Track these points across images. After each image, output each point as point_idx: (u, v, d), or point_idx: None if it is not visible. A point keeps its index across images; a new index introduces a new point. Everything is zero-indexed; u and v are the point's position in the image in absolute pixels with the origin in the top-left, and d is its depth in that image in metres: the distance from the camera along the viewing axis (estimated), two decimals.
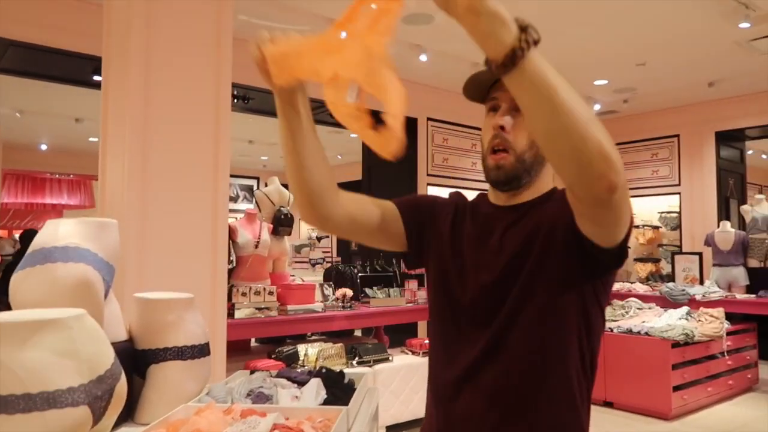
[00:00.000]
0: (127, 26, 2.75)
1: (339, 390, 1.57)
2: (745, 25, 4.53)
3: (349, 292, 4.09)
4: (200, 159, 2.88)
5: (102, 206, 3.02)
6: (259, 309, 3.57)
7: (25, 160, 9.97)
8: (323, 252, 10.04)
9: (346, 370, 1.70)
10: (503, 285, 1.04)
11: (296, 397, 1.51)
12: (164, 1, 2.78)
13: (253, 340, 4.31)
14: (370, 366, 3.79)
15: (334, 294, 4.09)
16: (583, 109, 0.78)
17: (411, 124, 6.45)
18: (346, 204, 1.13)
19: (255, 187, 12.10)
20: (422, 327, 6.05)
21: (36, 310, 1.20)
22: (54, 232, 1.38)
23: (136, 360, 1.48)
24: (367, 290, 4.35)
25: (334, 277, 4.52)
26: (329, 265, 9.71)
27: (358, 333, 4.93)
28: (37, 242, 1.36)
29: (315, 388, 1.53)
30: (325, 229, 1.15)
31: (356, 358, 3.80)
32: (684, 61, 5.62)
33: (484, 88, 1.12)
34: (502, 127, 1.07)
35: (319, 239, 10.38)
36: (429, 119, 6.56)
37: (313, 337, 4.30)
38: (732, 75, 6.06)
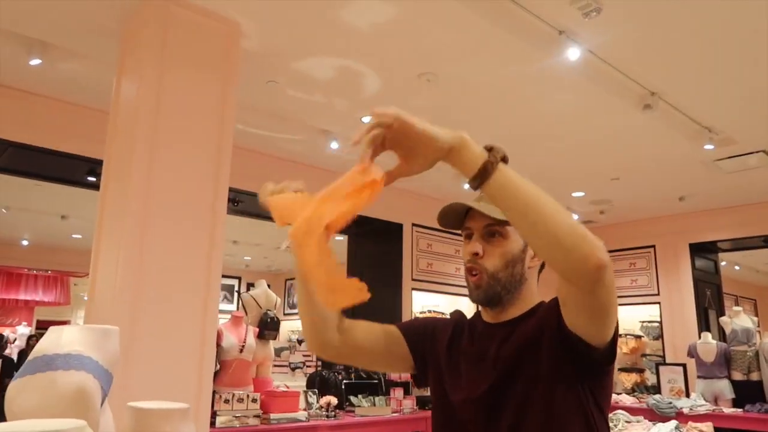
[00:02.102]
0: (132, 133, 2.87)
1: None
2: (709, 147, 4.86)
3: (334, 400, 3.98)
4: (193, 264, 2.90)
5: (90, 306, 3.00)
6: (236, 417, 3.45)
7: (4, 256, 9.84)
8: (303, 356, 9.77)
9: None
10: (497, 397, 1.08)
11: None
12: (169, 112, 2.93)
13: None
14: None
15: (318, 402, 3.97)
16: (552, 203, 0.90)
17: (396, 230, 6.59)
18: (351, 332, 1.22)
19: (236, 287, 11.97)
20: None
21: (35, 420, 1.18)
22: (57, 339, 1.38)
23: None
24: (352, 398, 4.24)
25: (317, 383, 4.41)
26: (309, 368, 9.40)
27: None
28: (39, 349, 1.36)
29: None
30: (325, 355, 1.23)
31: None
32: (655, 177, 5.95)
33: (458, 218, 1.22)
34: (476, 254, 1.17)
35: (300, 342, 10.15)
36: (414, 225, 6.72)
37: None
38: (700, 191, 6.40)
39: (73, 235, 8.87)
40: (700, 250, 7.55)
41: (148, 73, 2.86)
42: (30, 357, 1.37)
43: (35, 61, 3.45)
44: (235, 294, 11.87)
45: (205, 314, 2.90)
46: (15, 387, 1.33)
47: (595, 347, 0.98)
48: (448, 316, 1.35)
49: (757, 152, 5.10)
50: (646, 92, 3.96)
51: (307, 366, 9.65)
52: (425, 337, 1.28)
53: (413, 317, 1.53)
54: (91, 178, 4.84)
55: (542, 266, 1.21)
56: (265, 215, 5.35)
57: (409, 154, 0.94)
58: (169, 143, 2.91)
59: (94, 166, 4.62)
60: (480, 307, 1.25)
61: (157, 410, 1.47)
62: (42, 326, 13.68)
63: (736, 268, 10.24)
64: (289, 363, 9.54)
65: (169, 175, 2.90)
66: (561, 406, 1.04)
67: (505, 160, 0.93)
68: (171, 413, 1.49)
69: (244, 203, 5.69)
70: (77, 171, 4.75)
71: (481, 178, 0.91)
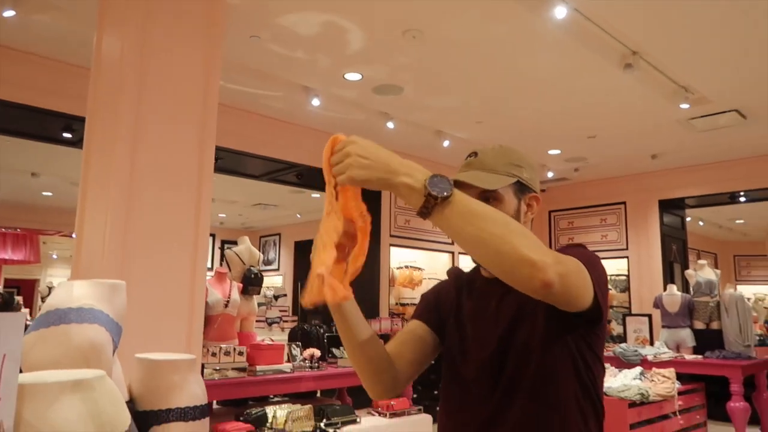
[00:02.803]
0: (116, 91, 2.82)
1: None
2: (684, 105, 4.99)
3: (317, 352, 4.09)
4: (182, 222, 2.92)
5: (77, 266, 3.00)
6: (216, 370, 3.54)
7: None
8: (280, 311, 9.91)
9: None
10: (501, 356, 1.14)
11: None
12: (154, 69, 2.88)
13: (214, 402, 4.21)
14: (338, 428, 3.76)
15: (301, 354, 4.08)
16: (495, 231, 0.92)
17: None
18: (401, 366, 1.25)
19: (211, 244, 11.94)
20: None
21: (55, 371, 1.22)
22: (68, 293, 1.42)
23: (137, 421, 1.49)
24: (334, 350, 4.36)
25: (300, 336, 4.52)
26: (286, 323, 9.55)
27: (318, 394, 4.87)
28: (51, 303, 1.39)
29: None
30: (390, 396, 1.28)
31: (324, 420, 3.78)
32: (630, 135, 6.09)
33: None
34: None
35: (276, 298, 10.26)
36: None
37: (276, 399, 4.25)
38: (673, 149, 6.58)
39: (44, 193, 8.69)
40: (669, 206, 7.80)
41: (132, 28, 2.80)
42: (42, 311, 1.41)
43: (8, 13, 3.33)
44: (210, 251, 11.87)
45: (194, 271, 2.94)
46: (29, 340, 1.37)
47: (579, 312, 1.03)
48: (446, 276, 1.39)
49: (730, 111, 5.25)
50: (627, 51, 4.03)
51: (284, 321, 9.81)
52: (434, 309, 1.32)
53: (420, 298, 1.61)
54: (67, 135, 4.74)
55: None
56: (241, 172, 5.27)
57: None
58: (155, 100, 2.88)
59: (70, 123, 4.52)
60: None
61: (166, 361, 1.53)
62: (10, 285, 13.48)
63: (700, 223, 10.60)
64: (266, 318, 9.68)
65: (156, 133, 2.88)
66: (554, 360, 1.10)
67: (445, 198, 0.94)
68: (179, 364, 1.55)
69: (222, 160, 5.65)
70: (52, 127, 4.65)
71: (422, 215, 0.96)
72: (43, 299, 10.24)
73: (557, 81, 4.64)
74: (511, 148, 1.25)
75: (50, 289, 10.80)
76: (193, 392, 1.56)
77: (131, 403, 1.51)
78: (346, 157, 0.96)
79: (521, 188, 1.21)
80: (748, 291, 11.85)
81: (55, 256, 13.79)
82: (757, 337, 6.71)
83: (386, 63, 4.33)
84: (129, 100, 2.77)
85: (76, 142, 4.81)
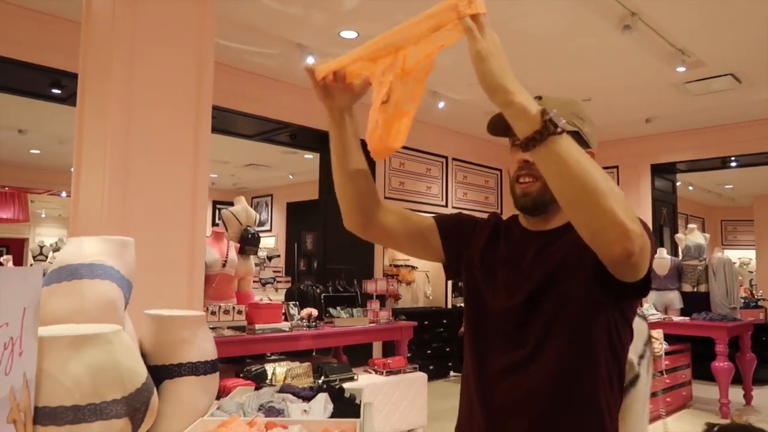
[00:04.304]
0: (108, 46, 2.75)
1: (342, 404, 1.66)
2: (680, 69, 4.97)
3: (315, 312, 4.14)
4: (180, 180, 2.90)
5: (74, 225, 2.98)
6: (213, 329, 3.58)
7: None
8: (274, 271, 9.96)
9: None
10: (531, 308, 1.12)
11: (305, 411, 1.58)
12: (148, 21, 2.81)
13: None
14: (336, 385, 3.84)
15: (299, 314, 4.13)
16: (599, 185, 0.88)
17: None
18: (387, 214, 1.26)
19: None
20: (377, 347, 6.14)
21: (72, 325, 1.24)
22: (78, 250, 1.42)
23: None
24: (331, 310, 4.42)
25: (297, 296, 4.56)
26: (279, 284, 9.61)
27: (314, 353, 4.96)
28: (62, 259, 1.39)
29: (323, 403, 1.61)
30: (366, 235, 1.27)
31: (322, 377, 3.85)
32: (625, 98, 6.07)
33: (508, 126, 1.19)
34: (527, 161, 1.16)
35: (269, 258, 10.29)
36: None
37: (273, 357, 4.31)
38: (667, 113, 6.57)
39: (32, 151, 8.56)
40: (661, 170, 7.84)
41: None
42: (53, 266, 1.41)
43: None
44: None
45: (193, 230, 2.93)
46: (42, 295, 1.37)
47: (630, 283, 1.01)
48: (486, 217, 1.35)
49: (725, 75, 5.24)
50: (626, 12, 3.98)
51: (278, 281, 9.87)
52: (463, 232, 1.29)
53: (457, 214, 1.59)
54: (56, 91, 4.64)
55: None
56: (234, 132, 5.20)
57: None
58: (149, 56, 2.82)
59: (58, 78, 4.41)
60: (520, 214, 1.25)
61: (177, 317, 1.55)
62: None
63: (690, 188, 10.70)
64: (260, 279, 9.72)
65: (151, 91, 2.83)
66: (588, 326, 1.08)
67: (559, 132, 0.90)
68: (189, 320, 1.57)
69: (215, 119, 5.56)
70: (40, 83, 4.54)
71: (528, 144, 0.92)
72: (34, 258, 10.17)
73: (555, 41, 4.59)
74: (577, 102, 1.23)
75: (41, 248, 10.72)
76: (203, 347, 1.58)
77: (143, 358, 1.53)
78: (490, 42, 0.95)
79: (578, 141, 1.14)
80: (733, 255, 12.08)
81: (43, 215, 13.67)
82: (742, 300, 6.88)
83: (382, 20, 4.25)
84: (122, 56, 2.71)
85: (65, 99, 4.71)
